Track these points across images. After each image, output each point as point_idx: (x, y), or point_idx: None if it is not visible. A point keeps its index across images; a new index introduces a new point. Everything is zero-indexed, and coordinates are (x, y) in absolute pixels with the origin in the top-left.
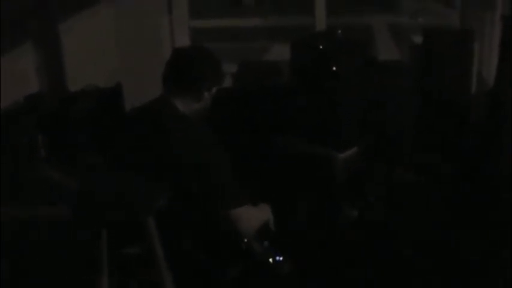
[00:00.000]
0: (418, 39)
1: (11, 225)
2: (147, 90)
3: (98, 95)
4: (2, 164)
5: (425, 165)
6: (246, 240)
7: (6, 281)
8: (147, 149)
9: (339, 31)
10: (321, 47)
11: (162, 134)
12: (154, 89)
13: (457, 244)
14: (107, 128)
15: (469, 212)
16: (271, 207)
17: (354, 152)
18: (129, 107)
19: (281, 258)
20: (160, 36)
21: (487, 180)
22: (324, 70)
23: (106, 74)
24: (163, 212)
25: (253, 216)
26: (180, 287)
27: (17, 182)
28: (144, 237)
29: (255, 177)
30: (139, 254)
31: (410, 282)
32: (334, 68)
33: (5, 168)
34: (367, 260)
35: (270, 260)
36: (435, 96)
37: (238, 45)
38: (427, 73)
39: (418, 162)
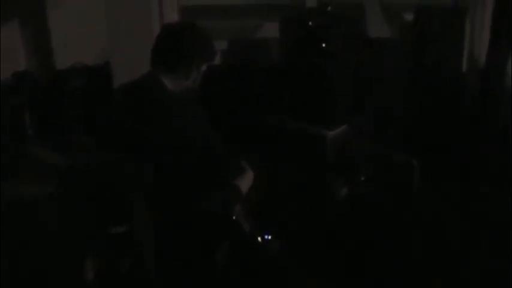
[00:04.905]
0: (409, 17)
1: None
2: (136, 68)
3: (86, 73)
4: None
5: (416, 145)
6: (234, 217)
7: None
8: (134, 126)
9: (329, 7)
10: (310, 23)
11: (148, 111)
12: (144, 66)
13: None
14: (95, 105)
15: (461, 193)
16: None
17: (344, 130)
18: (118, 85)
19: (270, 237)
20: (149, 14)
21: (480, 159)
22: (313, 47)
23: (95, 52)
24: (151, 189)
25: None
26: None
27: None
28: (131, 216)
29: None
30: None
31: (401, 260)
32: (323, 45)
33: None
34: (357, 239)
35: (259, 238)
36: (426, 75)
37: (227, 23)
38: (418, 51)
39: (409, 141)
